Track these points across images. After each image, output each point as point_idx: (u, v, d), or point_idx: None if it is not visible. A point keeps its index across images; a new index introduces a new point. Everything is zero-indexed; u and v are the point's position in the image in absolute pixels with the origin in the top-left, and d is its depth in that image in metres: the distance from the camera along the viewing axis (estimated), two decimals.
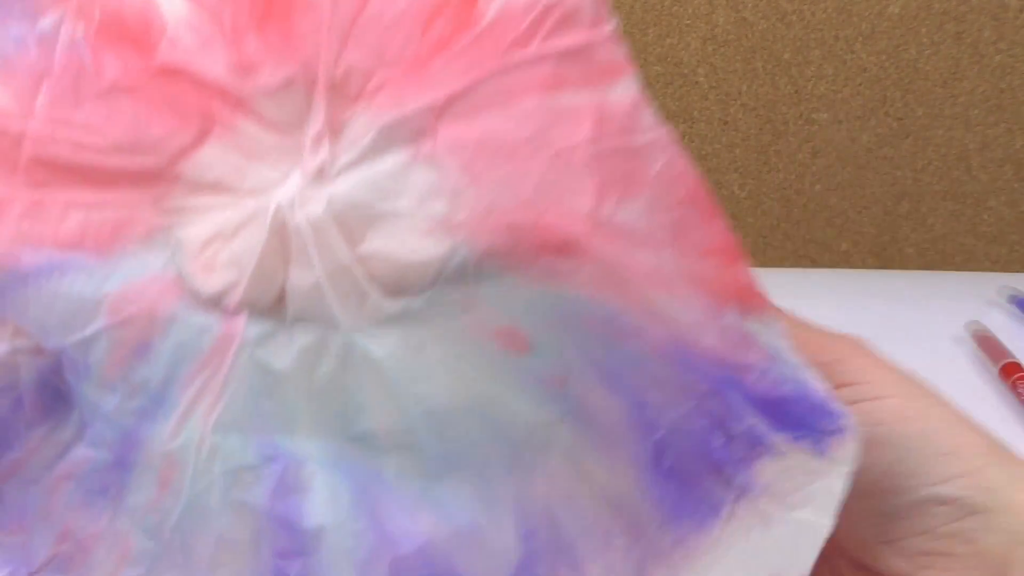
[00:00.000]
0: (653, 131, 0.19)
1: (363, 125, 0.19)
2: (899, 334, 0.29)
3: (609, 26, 0.19)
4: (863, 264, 0.61)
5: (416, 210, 0.19)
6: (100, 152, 0.20)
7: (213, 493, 0.20)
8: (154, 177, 0.20)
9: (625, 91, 0.19)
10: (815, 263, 0.61)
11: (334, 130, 0.19)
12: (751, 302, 0.20)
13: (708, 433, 0.20)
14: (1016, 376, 0.44)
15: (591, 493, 0.21)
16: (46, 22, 0.20)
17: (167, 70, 0.20)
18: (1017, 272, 0.60)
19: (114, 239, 0.20)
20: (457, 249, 0.19)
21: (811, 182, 0.59)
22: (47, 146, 0.20)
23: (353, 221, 0.19)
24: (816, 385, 0.20)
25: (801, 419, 0.20)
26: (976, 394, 0.44)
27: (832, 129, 0.57)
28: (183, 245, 0.20)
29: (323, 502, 0.20)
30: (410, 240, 0.19)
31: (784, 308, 0.22)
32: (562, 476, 0.20)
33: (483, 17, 0.19)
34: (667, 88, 0.56)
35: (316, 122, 0.19)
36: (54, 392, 0.20)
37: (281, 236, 0.19)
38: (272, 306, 0.20)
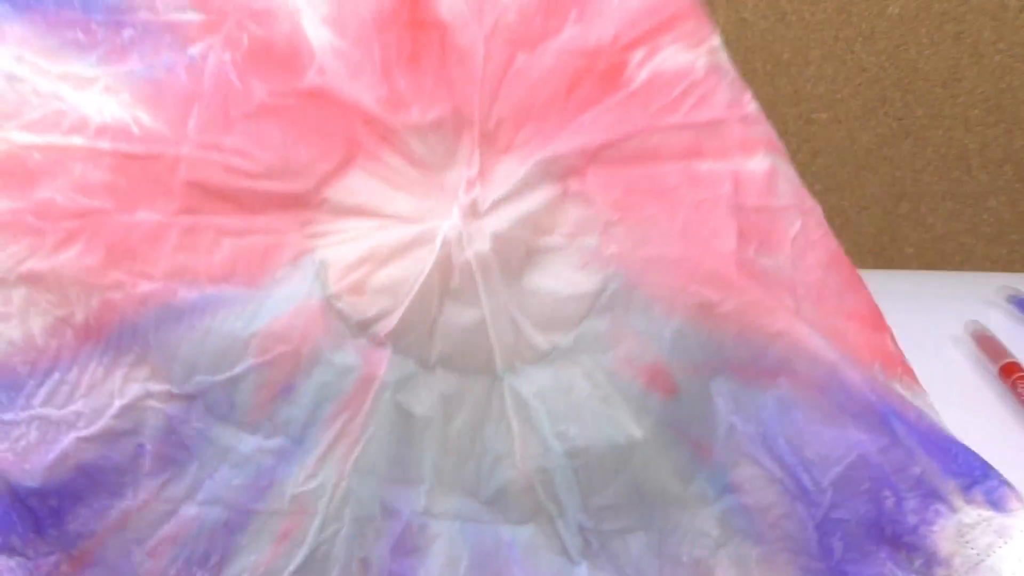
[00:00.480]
0: (790, 198, 0.21)
1: (514, 165, 0.20)
2: (899, 334, 0.29)
3: (746, 107, 0.20)
4: (863, 264, 0.61)
5: (569, 244, 0.20)
6: (250, 176, 0.20)
7: (337, 543, 0.20)
8: (301, 201, 0.20)
9: (760, 163, 0.20)
10: None
11: (485, 173, 0.20)
12: (896, 367, 0.20)
13: (878, 491, 0.19)
14: (1016, 376, 0.44)
15: None
16: (195, 49, 0.20)
17: (315, 94, 0.20)
18: (1017, 272, 0.60)
19: (264, 266, 0.20)
20: (609, 280, 0.20)
21: (811, 182, 0.58)
22: (200, 171, 0.20)
23: (512, 257, 0.20)
24: (956, 442, 0.20)
25: (970, 465, 0.19)
26: (976, 394, 0.44)
27: (832, 129, 0.57)
28: (328, 266, 0.20)
29: (439, 568, 0.20)
30: (565, 274, 0.20)
31: None
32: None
33: (632, 81, 0.20)
34: None
35: (471, 164, 0.20)
36: (176, 443, 0.20)
37: (444, 270, 0.19)
38: (416, 344, 0.20)
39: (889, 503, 0.19)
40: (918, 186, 0.58)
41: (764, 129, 0.21)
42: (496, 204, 0.20)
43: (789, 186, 0.21)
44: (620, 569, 0.20)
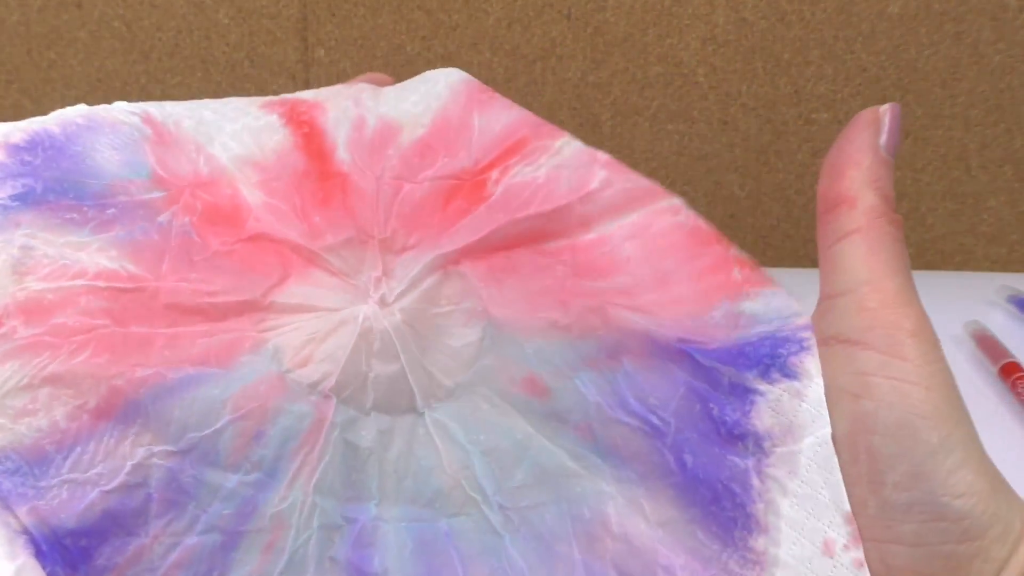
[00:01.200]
0: (623, 235, 0.28)
1: (409, 265, 0.28)
2: None
3: (587, 188, 0.27)
4: None
5: (455, 308, 0.28)
6: (211, 295, 0.27)
7: (310, 547, 0.26)
8: (253, 306, 0.27)
9: (593, 233, 0.28)
10: (815, 263, 0.61)
11: (387, 272, 0.28)
12: (739, 290, 0.26)
13: (705, 407, 0.26)
14: (1016, 376, 0.44)
15: (649, 533, 0.26)
16: (162, 217, 0.28)
17: (254, 237, 0.27)
18: (1017, 272, 0.60)
19: (231, 355, 0.27)
20: (485, 329, 0.27)
21: (811, 182, 0.59)
22: (174, 296, 0.27)
23: (417, 324, 0.27)
24: (790, 324, 0.26)
25: (763, 355, 0.25)
26: (976, 394, 0.44)
27: (832, 129, 0.57)
28: (282, 349, 0.27)
29: (389, 552, 0.26)
30: (456, 330, 0.27)
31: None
32: (619, 524, 0.26)
33: (492, 195, 0.28)
34: (667, 88, 0.56)
35: (376, 267, 0.28)
36: (177, 489, 0.26)
37: (367, 339, 0.27)
38: (354, 395, 0.27)
39: (715, 411, 0.26)
40: (918, 186, 0.58)
41: (610, 193, 0.28)
42: (399, 295, 0.28)
43: (628, 228, 0.28)
44: (539, 536, 0.26)
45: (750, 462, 0.25)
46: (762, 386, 0.25)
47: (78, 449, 0.25)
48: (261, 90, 0.55)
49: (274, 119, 0.29)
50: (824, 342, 0.23)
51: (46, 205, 0.27)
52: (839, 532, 0.24)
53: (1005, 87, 0.55)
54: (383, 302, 0.28)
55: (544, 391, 0.27)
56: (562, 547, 0.26)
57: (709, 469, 0.25)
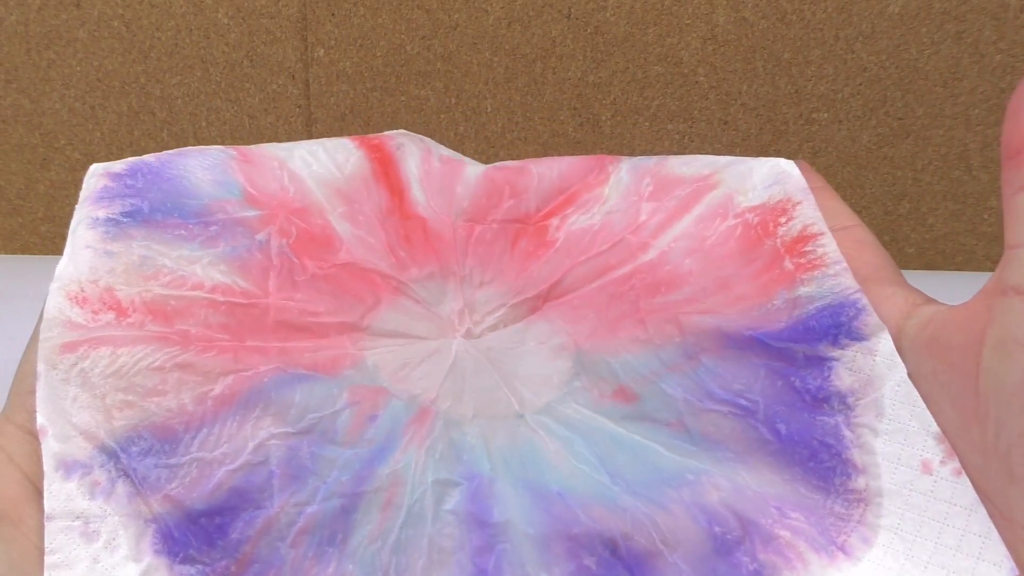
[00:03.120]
0: (681, 255, 0.31)
1: (490, 300, 0.32)
2: None
3: (637, 221, 0.32)
4: None
5: (542, 347, 0.31)
6: (315, 315, 0.30)
7: (427, 500, 0.27)
8: (352, 328, 0.30)
9: (650, 253, 0.31)
10: None
11: (469, 306, 0.31)
12: (794, 279, 0.29)
13: (788, 382, 0.28)
14: None
15: (753, 490, 0.28)
16: (261, 236, 0.30)
17: (347, 265, 0.31)
18: None
19: (334, 367, 0.29)
20: (576, 359, 0.30)
21: None
22: (283, 314, 0.29)
23: (508, 355, 0.31)
24: (842, 292, 0.28)
25: (828, 326, 0.28)
26: None
27: (832, 129, 0.57)
28: (379, 367, 0.30)
29: (508, 504, 0.27)
30: (545, 363, 0.31)
31: None
32: (723, 483, 0.28)
33: (556, 241, 0.32)
34: (667, 88, 0.56)
35: (457, 300, 0.31)
36: (297, 465, 0.27)
37: (460, 364, 0.30)
38: (454, 406, 0.29)
39: (797, 383, 0.28)
40: (918, 186, 0.58)
41: (658, 218, 0.31)
42: (486, 329, 0.31)
43: (682, 243, 0.31)
44: (649, 485, 0.28)
45: (839, 418, 0.27)
46: (835, 352, 0.28)
47: (204, 430, 0.27)
48: (261, 90, 0.55)
49: (346, 141, 0.33)
50: (1003, 292, 0.23)
51: (155, 223, 0.29)
52: (933, 452, 0.26)
53: (1006, 87, 0.55)
54: (469, 334, 0.31)
55: (633, 397, 0.29)
56: (671, 493, 0.27)
57: (803, 432, 0.28)
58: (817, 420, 0.28)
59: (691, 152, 0.58)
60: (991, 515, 0.24)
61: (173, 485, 0.26)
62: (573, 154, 0.60)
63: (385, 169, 0.32)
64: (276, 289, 0.30)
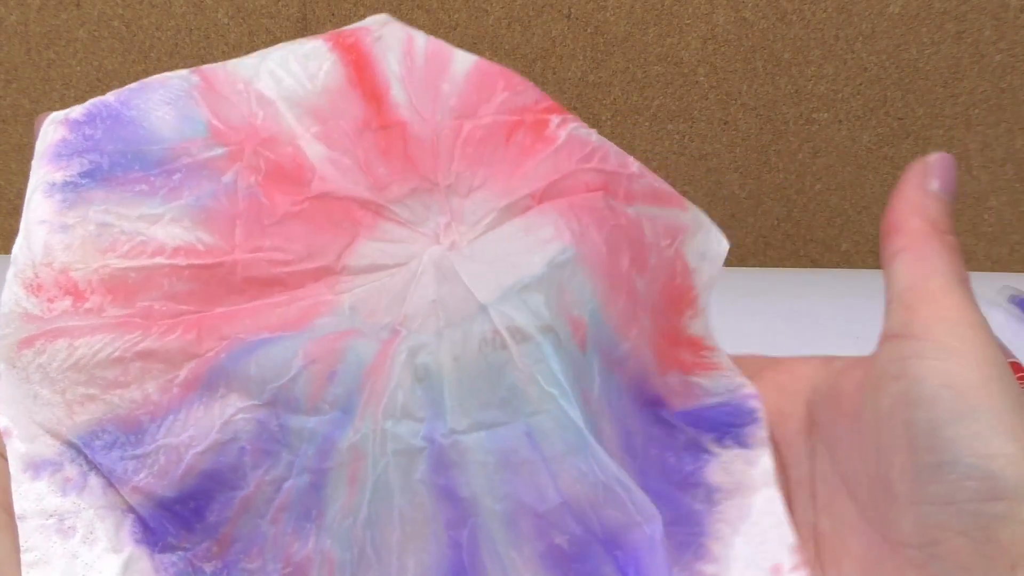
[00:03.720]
0: (657, 239, 0.29)
1: (479, 207, 0.28)
2: None
3: (631, 168, 0.29)
4: (863, 264, 0.61)
5: (530, 236, 0.27)
6: (287, 264, 0.27)
7: (390, 474, 0.26)
8: (327, 271, 0.28)
9: (635, 211, 0.29)
10: (815, 263, 0.61)
11: (456, 217, 0.28)
12: (689, 368, 0.29)
13: (662, 457, 0.28)
14: (1017, 376, 0.44)
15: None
16: (227, 177, 0.28)
17: (321, 196, 0.28)
18: (1017, 272, 0.60)
19: (305, 320, 0.27)
20: (564, 249, 0.27)
21: (811, 182, 0.59)
22: (251, 269, 0.27)
23: (486, 253, 0.27)
24: (740, 392, 0.29)
25: (719, 423, 0.29)
26: None
27: (832, 129, 0.57)
28: (356, 308, 0.27)
29: (472, 472, 0.26)
30: (527, 253, 0.27)
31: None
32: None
33: (557, 139, 0.28)
34: (667, 88, 0.56)
35: (443, 214, 0.28)
36: (267, 439, 0.26)
37: (437, 271, 0.27)
38: (424, 323, 0.27)
39: (672, 460, 0.28)
40: None
41: (645, 182, 0.29)
42: (472, 240, 0.28)
43: (656, 227, 0.30)
44: (621, 423, 0.27)
45: (704, 507, 0.28)
46: (716, 449, 0.28)
47: (170, 418, 0.26)
48: None
49: (319, 44, 0.29)
50: (881, 340, 0.25)
51: (115, 180, 0.27)
52: (787, 559, 0.27)
53: (1006, 87, 0.55)
54: (453, 247, 0.28)
55: (582, 343, 0.27)
56: (638, 440, 0.27)
57: (669, 500, 0.27)
58: (684, 500, 0.28)
59: (691, 151, 0.58)
60: (877, 544, 0.25)
61: (141, 476, 0.25)
62: None
63: (361, 73, 0.29)
64: (243, 239, 0.27)
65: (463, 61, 0.29)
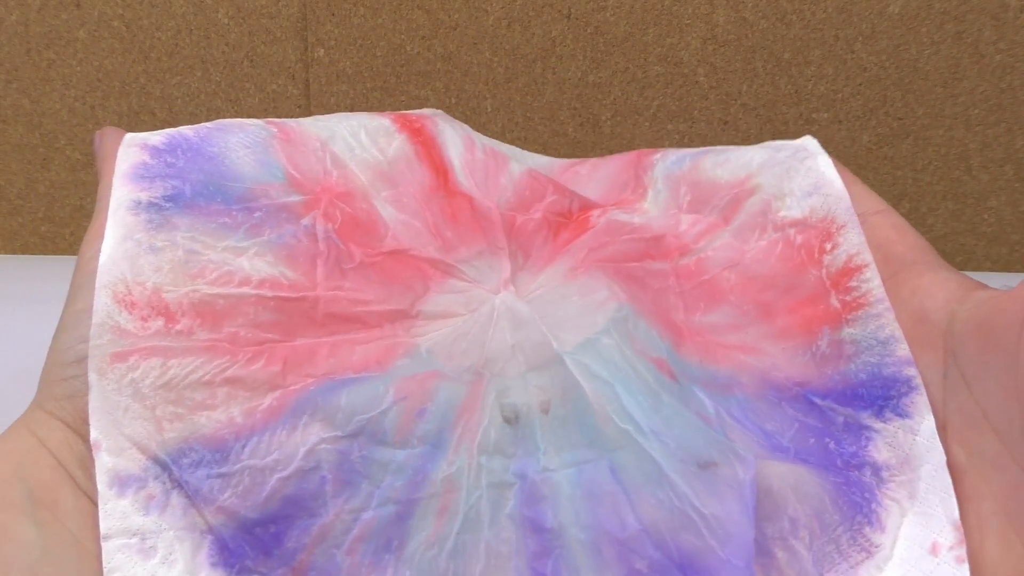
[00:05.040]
0: (720, 265, 0.31)
1: (532, 274, 0.31)
2: None
3: (679, 227, 0.32)
4: None
5: (587, 299, 0.30)
6: (366, 304, 0.29)
7: (482, 505, 0.27)
8: (404, 315, 0.30)
9: (691, 257, 0.31)
10: None
11: (514, 279, 0.31)
12: (839, 318, 0.29)
13: (821, 441, 0.28)
14: None
15: (784, 481, 0.27)
16: (306, 220, 0.29)
17: (394, 252, 0.30)
18: (1017, 272, 0.60)
19: (388, 359, 0.29)
20: (621, 308, 0.30)
21: None
22: (332, 305, 0.29)
23: (551, 306, 0.30)
24: (893, 356, 0.28)
25: (876, 397, 0.28)
26: None
27: (832, 129, 0.57)
28: (434, 352, 0.29)
29: (560, 505, 0.27)
30: (590, 312, 0.30)
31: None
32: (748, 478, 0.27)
33: (597, 225, 0.31)
34: (667, 88, 0.56)
35: (504, 271, 0.31)
36: (349, 470, 0.27)
37: (503, 320, 0.29)
38: (505, 367, 0.29)
39: (832, 445, 0.28)
40: (918, 186, 0.57)
41: (697, 228, 0.32)
42: (531, 291, 0.31)
43: (722, 253, 0.31)
44: (696, 458, 0.27)
45: (873, 482, 0.28)
46: (877, 424, 0.28)
47: (255, 438, 0.27)
48: (261, 90, 0.55)
49: (387, 123, 0.32)
50: None
51: (198, 209, 0.28)
52: (947, 536, 0.26)
53: (1006, 87, 0.55)
54: (516, 295, 0.30)
55: (672, 376, 0.29)
56: (724, 471, 0.27)
57: (837, 473, 0.28)
58: (852, 475, 0.28)
59: None
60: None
61: (226, 495, 0.26)
62: (573, 155, 0.60)
63: (428, 151, 0.32)
64: (324, 278, 0.29)
65: (518, 165, 0.33)
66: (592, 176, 0.34)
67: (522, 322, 0.29)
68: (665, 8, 0.54)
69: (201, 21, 0.54)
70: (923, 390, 0.28)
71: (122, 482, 0.26)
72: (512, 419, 0.28)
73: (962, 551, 0.26)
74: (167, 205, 0.28)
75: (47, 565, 0.24)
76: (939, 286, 0.28)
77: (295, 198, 0.30)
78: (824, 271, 0.30)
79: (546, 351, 0.29)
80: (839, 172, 0.31)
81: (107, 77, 0.55)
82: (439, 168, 0.32)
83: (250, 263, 0.28)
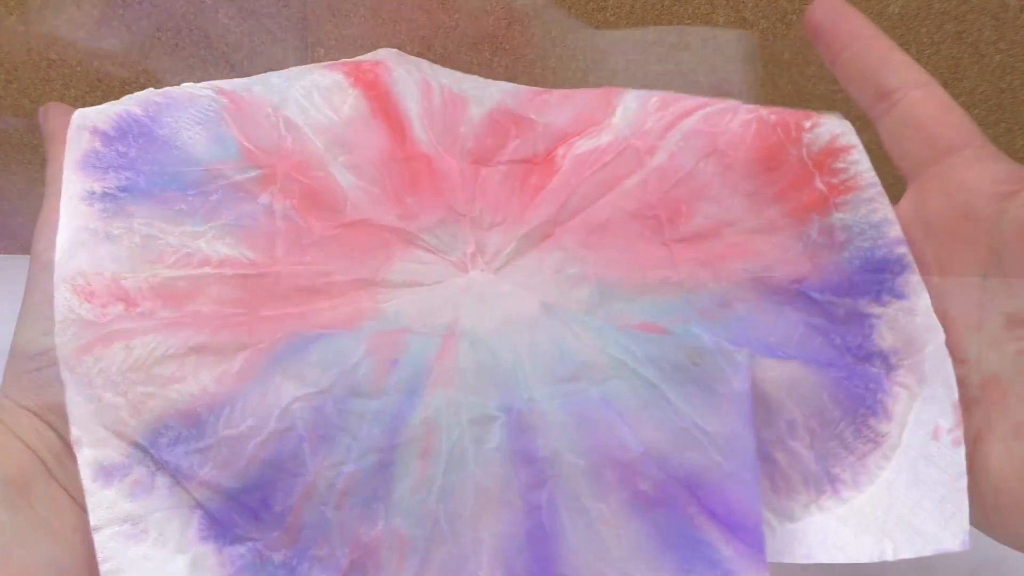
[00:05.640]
0: (687, 167, 0.30)
1: (501, 239, 0.30)
2: None
3: (646, 125, 0.31)
4: None
5: (561, 274, 0.29)
6: (328, 275, 0.29)
7: (466, 442, 0.26)
8: (369, 283, 0.29)
9: (657, 158, 0.30)
10: None
11: (480, 248, 0.30)
12: (827, 202, 0.28)
13: (827, 337, 0.28)
14: None
15: (777, 387, 0.27)
16: (263, 199, 0.29)
17: (355, 223, 0.30)
18: None
19: (355, 322, 0.28)
20: (595, 288, 0.29)
21: None
22: (296, 279, 0.29)
23: (523, 284, 0.29)
24: (885, 238, 0.28)
25: (872, 280, 0.28)
26: None
27: None
28: (402, 312, 0.29)
29: (552, 433, 0.26)
30: (564, 292, 0.29)
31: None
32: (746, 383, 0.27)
33: (562, 166, 0.30)
34: (667, 88, 0.56)
35: (468, 244, 0.30)
36: (324, 425, 0.26)
37: (477, 289, 0.29)
38: (479, 323, 0.28)
39: (837, 340, 0.28)
40: None
41: (665, 120, 0.30)
42: (500, 267, 0.30)
43: (694, 141, 0.30)
44: (696, 380, 0.27)
45: (882, 371, 0.27)
46: (877, 309, 0.28)
47: (227, 408, 0.26)
48: None
49: (340, 77, 0.31)
50: None
51: (153, 197, 0.28)
52: (947, 419, 0.26)
53: (1006, 87, 0.55)
54: (484, 270, 0.30)
55: (661, 331, 0.28)
56: (721, 387, 0.26)
57: (845, 368, 0.27)
58: (860, 367, 0.27)
59: None
60: None
61: (206, 469, 0.26)
62: None
63: (384, 106, 0.31)
64: (284, 255, 0.29)
65: (479, 107, 0.32)
66: (562, 104, 0.32)
67: (498, 292, 0.29)
68: (665, 8, 0.54)
69: (201, 21, 0.54)
70: (915, 267, 0.28)
71: (107, 472, 0.26)
72: (490, 364, 0.27)
73: (959, 433, 0.26)
74: (122, 195, 0.28)
75: (19, 548, 0.24)
76: (988, 178, 0.26)
77: (251, 174, 0.29)
78: (804, 150, 0.30)
79: (527, 309, 0.29)
80: (873, 38, 0.29)
81: (107, 77, 0.55)
82: (396, 125, 0.31)
83: (209, 245, 0.28)
